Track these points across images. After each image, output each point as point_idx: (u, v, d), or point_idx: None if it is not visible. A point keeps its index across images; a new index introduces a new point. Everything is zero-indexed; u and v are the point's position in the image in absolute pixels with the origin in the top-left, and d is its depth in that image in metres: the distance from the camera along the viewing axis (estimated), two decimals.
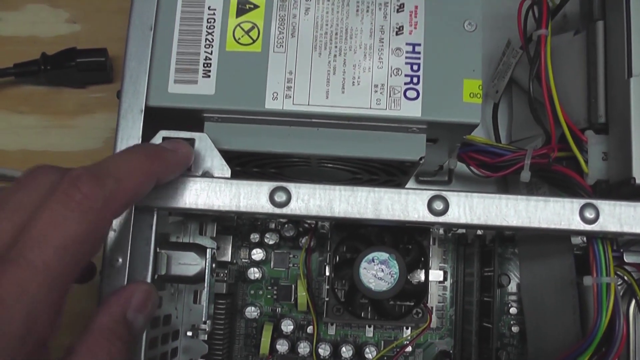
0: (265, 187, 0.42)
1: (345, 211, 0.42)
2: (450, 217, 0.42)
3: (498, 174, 0.53)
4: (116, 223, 0.41)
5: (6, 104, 0.65)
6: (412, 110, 0.43)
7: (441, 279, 0.56)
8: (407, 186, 0.55)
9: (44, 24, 0.67)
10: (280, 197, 0.42)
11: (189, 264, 0.44)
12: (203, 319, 0.47)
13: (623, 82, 0.47)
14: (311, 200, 0.42)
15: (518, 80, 0.59)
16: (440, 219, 0.42)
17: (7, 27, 0.67)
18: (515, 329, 0.57)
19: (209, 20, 0.44)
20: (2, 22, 0.67)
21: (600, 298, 0.45)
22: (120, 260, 0.41)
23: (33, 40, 0.66)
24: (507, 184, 0.61)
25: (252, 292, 0.58)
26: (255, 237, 0.57)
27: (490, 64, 0.62)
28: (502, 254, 0.58)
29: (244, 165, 0.49)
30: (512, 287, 0.58)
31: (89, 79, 0.65)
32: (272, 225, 0.57)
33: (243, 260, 0.58)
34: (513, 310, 0.58)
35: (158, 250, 0.43)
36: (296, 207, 0.42)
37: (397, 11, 0.45)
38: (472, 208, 0.42)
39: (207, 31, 0.44)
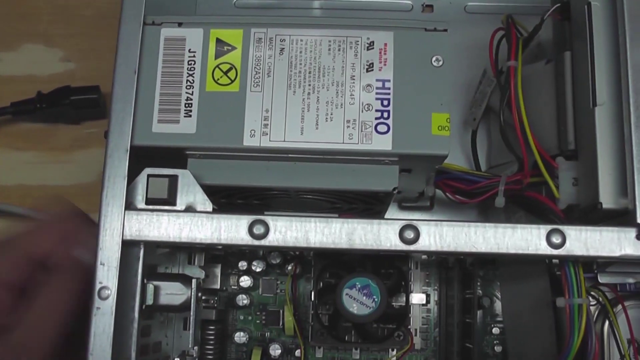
0: (245, 220, 0.44)
1: (320, 242, 0.44)
2: (421, 245, 0.44)
3: (473, 200, 0.54)
4: (104, 256, 0.44)
5: (4, 141, 0.68)
6: (383, 143, 0.45)
7: (424, 301, 0.58)
8: (389, 212, 0.57)
9: (40, 63, 0.69)
10: (258, 229, 0.44)
11: (175, 293, 0.47)
12: (190, 345, 0.49)
13: (589, 111, 0.49)
14: (288, 232, 0.44)
15: (494, 107, 0.61)
16: (412, 247, 0.44)
17: (5, 67, 0.69)
18: (498, 348, 0.59)
19: (190, 62, 0.47)
20: (0, 63, 0.69)
21: (573, 319, 0.47)
22: (109, 291, 0.43)
23: (30, 79, 0.68)
24: (487, 209, 0.63)
25: (242, 317, 0.60)
26: (243, 264, 0.58)
27: (469, 92, 0.64)
28: (485, 276, 0.59)
29: (229, 198, 0.51)
30: (496, 308, 0.59)
31: (83, 115, 0.67)
32: (260, 253, 0.59)
33: (232, 287, 0.59)
34: (496, 331, 0.59)
35: (145, 281, 0.45)
36: (274, 239, 0.44)
37: (367, 49, 0.47)
38: (442, 236, 0.44)
39: (187, 73, 0.47)
